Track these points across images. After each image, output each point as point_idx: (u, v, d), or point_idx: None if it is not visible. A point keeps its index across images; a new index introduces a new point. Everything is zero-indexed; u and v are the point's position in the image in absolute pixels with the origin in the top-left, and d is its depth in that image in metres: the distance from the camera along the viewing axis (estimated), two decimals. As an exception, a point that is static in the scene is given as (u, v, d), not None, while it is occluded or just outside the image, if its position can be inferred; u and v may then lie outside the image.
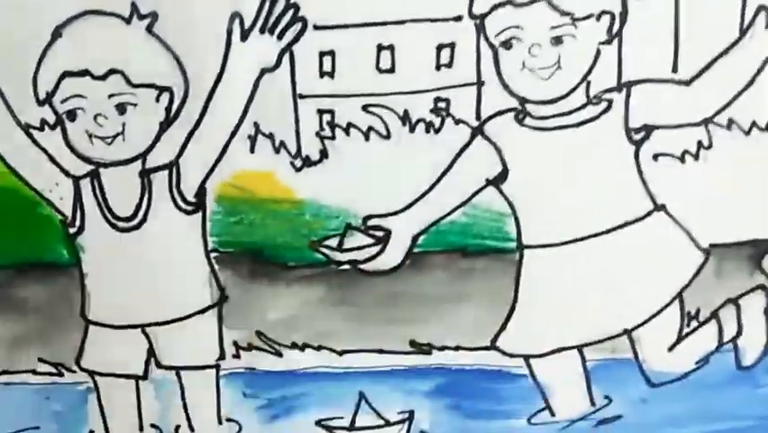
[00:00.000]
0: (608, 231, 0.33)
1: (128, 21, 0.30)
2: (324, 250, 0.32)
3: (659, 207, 0.33)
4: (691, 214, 0.33)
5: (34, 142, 0.31)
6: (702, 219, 0.33)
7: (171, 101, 0.31)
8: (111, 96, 0.30)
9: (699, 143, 0.32)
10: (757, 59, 0.31)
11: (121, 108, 0.30)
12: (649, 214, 0.33)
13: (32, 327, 0.33)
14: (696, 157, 0.32)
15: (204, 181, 0.31)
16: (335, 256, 0.32)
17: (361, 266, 0.33)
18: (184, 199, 0.32)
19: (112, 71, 0.30)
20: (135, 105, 0.30)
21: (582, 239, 0.33)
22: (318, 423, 0.35)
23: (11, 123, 0.30)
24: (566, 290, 0.33)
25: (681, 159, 0.32)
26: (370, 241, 0.32)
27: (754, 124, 0.32)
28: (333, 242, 0.32)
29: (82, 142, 0.31)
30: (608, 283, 0.33)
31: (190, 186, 0.32)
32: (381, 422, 0.35)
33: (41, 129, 0.30)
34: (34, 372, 0.33)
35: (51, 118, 0.30)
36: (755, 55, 0.31)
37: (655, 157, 0.32)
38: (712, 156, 0.32)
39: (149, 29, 0.30)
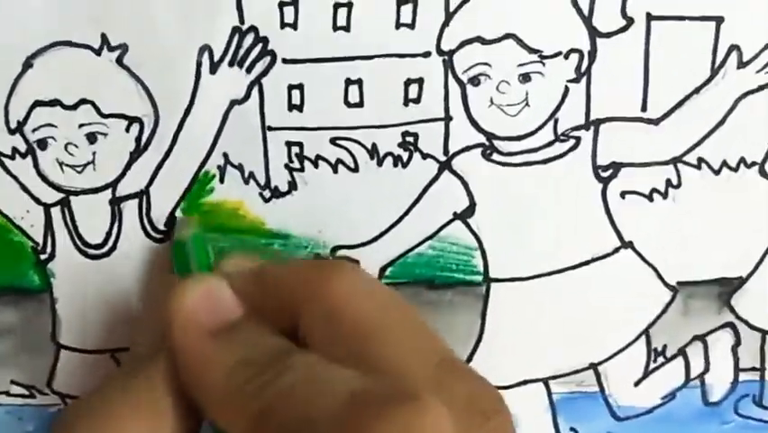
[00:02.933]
0: (574, 266, 0.33)
1: (98, 52, 0.30)
2: (291, 280, 0.33)
3: (626, 245, 0.33)
4: (659, 251, 0.33)
5: (6, 170, 0.31)
6: (670, 257, 0.33)
7: (141, 131, 0.31)
8: (81, 125, 0.31)
9: (668, 182, 0.32)
10: (729, 98, 0.31)
11: (91, 138, 0.31)
12: (616, 251, 0.33)
13: (5, 350, 0.33)
14: (664, 195, 0.32)
15: (173, 210, 0.32)
16: (303, 286, 0.33)
17: (329, 296, 0.33)
18: (154, 228, 0.32)
19: (82, 101, 0.30)
20: (106, 134, 0.31)
21: (549, 274, 0.33)
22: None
23: (-18, 151, 0.31)
24: (533, 324, 0.34)
25: (650, 197, 0.32)
26: (338, 272, 0.33)
27: (724, 163, 0.32)
28: (301, 272, 0.33)
29: (53, 171, 0.31)
30: (575, 318, 0.33)
31: (160, 214, 0.32)
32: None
33: (13, 158, 0.31)
34: (7, 393, 0.34)
35: (23, 147, 0.31)
36: (727, 94, 0.31)
37: (623, 195, 0.32)
38: (681, 195, 0.32)
39: (119, 60, 0.30)
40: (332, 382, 0.23)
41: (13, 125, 0.30)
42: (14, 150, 0.31)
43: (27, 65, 0.30)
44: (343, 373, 0.24)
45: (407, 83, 0.31)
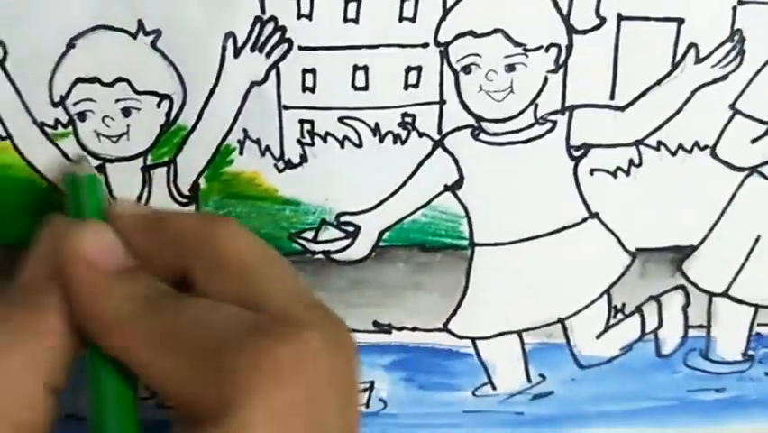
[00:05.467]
0: (548, 234, 0.37)
1: (134, 36, 0.33)
2: (301, 241, 0.37)
3: (593, 215, 0.37)
4: (621, 221, 0.38)
5: (49, 139, 0.34)
6: (630, 226, 0.38)
7: (171, 107, 0.34)
8: (117, 100, 0.34)
9: (631, 161, 0.37)
10: (686, 89, 0.36)
11: (126, 112, 0.34)
12: (584, 220, 0.37)
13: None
14: (627, 173, 0.37)
15: (197, 178, 0.35)
16: (311, 247, 0.37)
17: (333, 256, 0.37)
18: (180, 193, 0.36)
19: (119, 79, 0.34)
20: (139, 109, 0.34)
21: (526, 240, 0.37)
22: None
23: (28, 122, 0.34)
24: (510, 283, 0.38)
25: (614, 174, 0.37)
26: (342, 235, 0.37)
27: (680, 146, 0.36)
28: (310, 234, 0.37)
29: (91, 141, 0.35)
30: (547, 279, 0.38)
31: (186, 181, 0.35)
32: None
33: (55, 128, 0.34)
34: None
35: (64, 119, 0.34)
36: (684, 86, 0.35)
37: (592, 172, 0.37)
38: (642, 173, 0.37)
39: (153, 44, 0.33)
40: (229, 316, 0.27)
41: (56, 99, 0.34)
42: (57, 121, 0.34)
43: (70, 45, 0.33)
44: (237, 309, 0.28)
45: (408, 70, 0.35)
